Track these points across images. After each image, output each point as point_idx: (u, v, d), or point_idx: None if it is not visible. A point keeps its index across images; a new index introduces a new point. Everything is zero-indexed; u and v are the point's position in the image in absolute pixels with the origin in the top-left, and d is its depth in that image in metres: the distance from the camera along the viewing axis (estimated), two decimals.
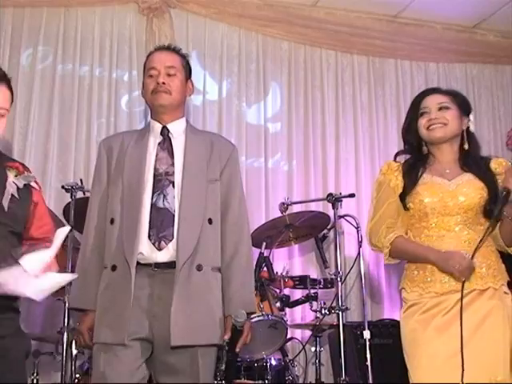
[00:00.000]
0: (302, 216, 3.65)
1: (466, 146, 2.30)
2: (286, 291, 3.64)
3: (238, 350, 2.14)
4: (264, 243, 3.51)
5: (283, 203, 3.76)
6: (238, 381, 3.26)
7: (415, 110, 2.33)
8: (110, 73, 4.38)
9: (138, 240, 2.15)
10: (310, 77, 4.84)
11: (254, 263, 3.56)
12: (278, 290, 3.55)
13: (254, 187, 4.53)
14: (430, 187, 2.23)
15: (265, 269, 3.46)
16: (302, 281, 3.68)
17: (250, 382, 3.32)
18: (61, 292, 3.27)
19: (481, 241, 2.11)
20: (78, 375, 3.12)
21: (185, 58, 2.47)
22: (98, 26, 4.42)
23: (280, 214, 3.71)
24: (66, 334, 3.07)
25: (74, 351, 3.08)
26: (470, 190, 2.20)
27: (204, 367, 2.16)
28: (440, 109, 2.28)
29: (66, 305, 3.10)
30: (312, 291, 3.58)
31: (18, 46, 4.26)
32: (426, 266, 2.19)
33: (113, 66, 4.39)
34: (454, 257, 2.10)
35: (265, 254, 3.49)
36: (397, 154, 2.40)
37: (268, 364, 3.35)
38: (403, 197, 2.26)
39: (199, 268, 2.18)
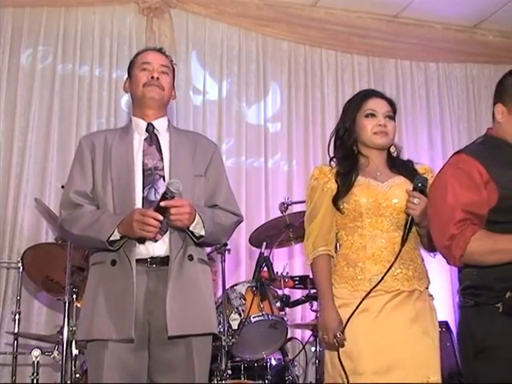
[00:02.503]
0: (302, 216, 3.64)
1: (395, 154, 2.36)
2: (286, 291, 3.64)
3: (162, 204, 2.08)
4: (264, 243, 3.51)
5: (283, 203, 3.76)
6: (238, 381, 3.27)
7: (357, 108, 2.33)
8: (109, 73, 4.38)
9: None
10: (310, 77, 4.84)
11: (254, 263, 3.58)
12: (278, 290, 3.55)
13: (254, 187, 4.53)
14: (365, 188, 2.25)
15: (265, 269, 3.45)
16: (302, 281, 3.68)
17: (250, 382, 3.33)
18: (61, 292, 3.28)
19: (398, 255, 2.14)
20: (77, 375, 3.12)
21: (173, 66, 2.50)
22: (97, 26, 4.42)
23: (280, 214, 3.71)
24: (65, 333, 3.06)
25: (74, 351, 3.08)
26: (402, 192, 2.22)
27: (199, 362, 2.18)
28: (386, 117, 2.31)
29: (66, 305, 3.10)
30: (312, 291, 3.57)
31: (18, 46, 4.26)
32: (356, 263, 2.21)
33: (113, 65, 4.39)
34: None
35: (265, 254, 3.49)
36: (332, 159, 2.39)
37: (268, 364, 3.35)
38: (336, 200, 2.27)
39: (191, 258, 2.22)
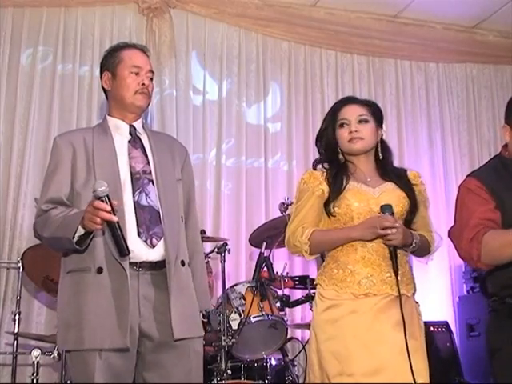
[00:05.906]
0: None
1: (381, 156, 2.37)
2: (286, 291, 3.64)
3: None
4: (264, 243, 3.51)
5: (283, 203, 3.74)
6: (238, 381, 3.27)
7: (333, 119, 2.40)
8: None
9: (127, 239, 2.10)
10: (310, 77, 4.85)
11: (254, 263, 3.58)
12: (278, 290, 3.55)
13: (254, 187, 4.54)
14: (357, 193, 2.27)
15: (265, 269, 3.45)
16: (302, 281, 3.69)
17: (250, 382, 3.33)
18: None
19: (395, 264, 2.17)
20: None
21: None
22: (97, 26, 4.43)
23: (280, 214, 3.71)
24: None
25: None
26: (392, 198, 2.24)
27: (196, 363, 2.19)
28: (359, 121, 2.33)
29: None
30: (312, 291, 3.57)
31: (18, 46, 4.26)
32: (346, 266, 2.22)
33: None
34: (372, 220, 2.17)
35: (265, 254, 3.49)
36: (315, 162, 2.43)
37: (268, 364, 3.35)
38: (327, 204, 2.29)
39: (183, 263, 2.23)
